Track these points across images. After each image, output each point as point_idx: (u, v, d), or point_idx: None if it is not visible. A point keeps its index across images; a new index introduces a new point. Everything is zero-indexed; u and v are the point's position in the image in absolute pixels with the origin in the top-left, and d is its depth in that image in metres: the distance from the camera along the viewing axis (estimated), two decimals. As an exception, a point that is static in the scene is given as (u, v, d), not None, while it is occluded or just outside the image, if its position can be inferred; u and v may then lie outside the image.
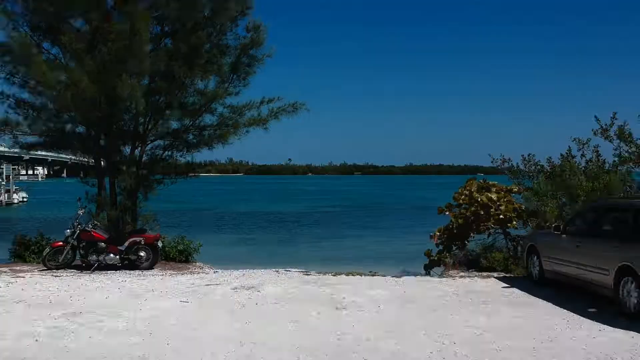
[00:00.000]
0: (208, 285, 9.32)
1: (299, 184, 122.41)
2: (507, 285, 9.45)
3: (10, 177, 52.98)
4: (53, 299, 8.22)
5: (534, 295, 8.53)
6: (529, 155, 13.02)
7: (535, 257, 9.66)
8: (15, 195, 52.45)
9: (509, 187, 12.91)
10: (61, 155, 16.12)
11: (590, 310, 7.48)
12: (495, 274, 10.76)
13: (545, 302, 8.09)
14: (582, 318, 7.08)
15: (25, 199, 54.73)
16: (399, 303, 7.97)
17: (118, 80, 10.63)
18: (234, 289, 8.93)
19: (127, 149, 12.79)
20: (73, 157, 13.84)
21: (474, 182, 13.12)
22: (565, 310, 7.52)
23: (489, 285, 9.51)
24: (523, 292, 8.82)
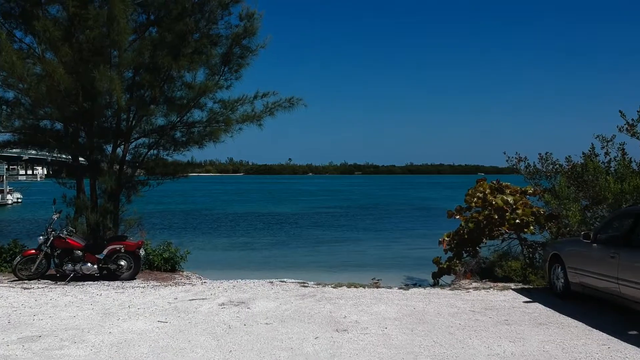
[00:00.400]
0: (192, 300, 8.28)
1: (298, 184, 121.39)
2: (528, 300, 8.42)
3: (4, 177, 51.98)
4: (13, 318, 7.19)
5: (561, 312, 7.50)
6: (546, 154, 11.98)
7: (559, 267, 8.64)
8: (9, 196, 51.43)
9: (523, 189, 11.91)
10: (39, 154, 15.05)
11: (631, 332, 6.45)
12: (513, 285, 9.74)
13: (575, 321, 7.06)
14: (623, 344, 6.05)
15: (19, 200, 53.71)
16: (408, 323, 6.94)
17: (96, 72, 9.59)
18: (221, 305, 7.90)
19: (110, 148, 11.76)
20: (66, 156, 12.70)
21: (484, 183, 12.12)
22: (601, 332, 6.49)
23: (507, 300, 8.47)
24: (547, 309, 7.79)
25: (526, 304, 8.19)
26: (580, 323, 6.94)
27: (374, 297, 8.53)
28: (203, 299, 8.38)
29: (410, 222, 32.67)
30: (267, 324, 6.86)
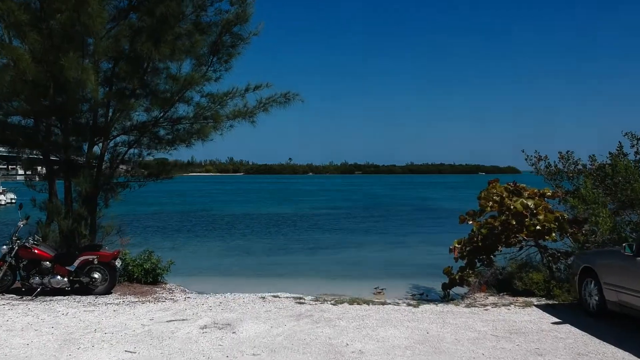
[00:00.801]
0: (170, 321, 7.17)
1: (299, 184, 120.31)
2: (557, 320, 7.32)
3: (-4, 177, 50.86)
4: (-45, 346, 6.09)
5: (600, 338, 6.40)
6: (567, 153, 10.93)
7: (592, 283, 7.54)
8: (2, 197, 50.30)
9: (541, 191, 10.81)
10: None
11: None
12: (535, 301, 8.64)
13: (620, 350, 5.95)
14: (688, 384, 4.96)
15: (13, 200, 52.52)
16: (422, 354, 5.84)
17: (65, 59, 8.49)
18: (202, 329, 6.79)
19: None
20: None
21: (497, 184, 11.00)
22: (656, 367, 5.40)
23: (533, 321, 7.36)
24: (582, 332, 6.69)
25: (556, 325, 7.09)
26: (627, 354, 5.84)
27: (380, 318, 7.41)
28: (183, 319, 7.27)
29: (413, 224, 31.56)
30: (254, 355, 5.75)
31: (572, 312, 7.84)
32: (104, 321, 7.18)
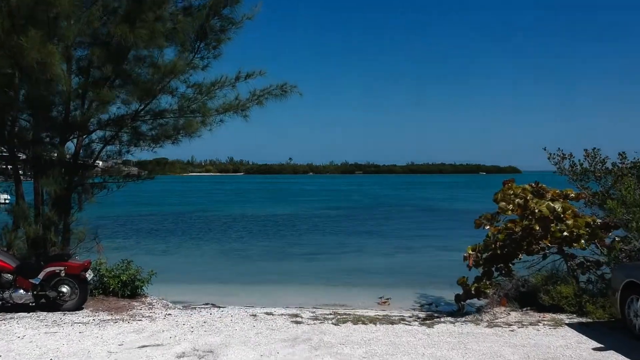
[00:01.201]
0: (142, 347, 6.06)
1: (299, 184, 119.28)
2: (598, 345, 6.22)
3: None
4: None
5: (656, 371, 5.31)
6: (593, 150, 9.85)
7: (639, 301, 6.44)
8: (-5, 197, 49.22)
9: (564, 192, 9.72)
10: None
11: None
12: (565, 318, 7.56)
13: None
14: None
15: (7, 201, 51.40)
16: (445, 394, 4.74)
17: (23, 39, 7.40)
18: (179, 358, 5.69)
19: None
20: None
21: (513, 185, 9.90)
22: None
23: (569, 345, 6.27)
24: (633, 362, 5.59)
25: (599, 352, 5.98)
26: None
27: (390, 342, 6.31)
28: (158, 345, 6.17)
29: (417, 226, 30.40)
30: (237, 397, 4.66)
31: (612, 333, 6.74)
32: (64, 347, 6.08)
